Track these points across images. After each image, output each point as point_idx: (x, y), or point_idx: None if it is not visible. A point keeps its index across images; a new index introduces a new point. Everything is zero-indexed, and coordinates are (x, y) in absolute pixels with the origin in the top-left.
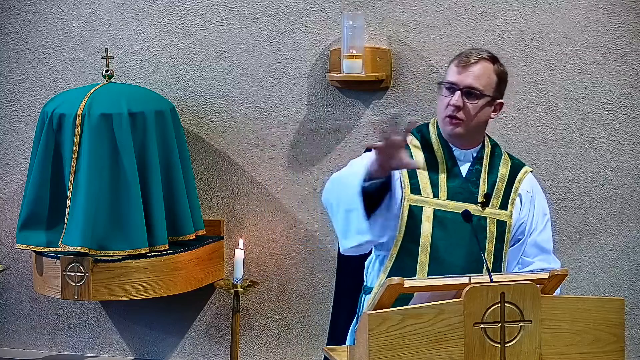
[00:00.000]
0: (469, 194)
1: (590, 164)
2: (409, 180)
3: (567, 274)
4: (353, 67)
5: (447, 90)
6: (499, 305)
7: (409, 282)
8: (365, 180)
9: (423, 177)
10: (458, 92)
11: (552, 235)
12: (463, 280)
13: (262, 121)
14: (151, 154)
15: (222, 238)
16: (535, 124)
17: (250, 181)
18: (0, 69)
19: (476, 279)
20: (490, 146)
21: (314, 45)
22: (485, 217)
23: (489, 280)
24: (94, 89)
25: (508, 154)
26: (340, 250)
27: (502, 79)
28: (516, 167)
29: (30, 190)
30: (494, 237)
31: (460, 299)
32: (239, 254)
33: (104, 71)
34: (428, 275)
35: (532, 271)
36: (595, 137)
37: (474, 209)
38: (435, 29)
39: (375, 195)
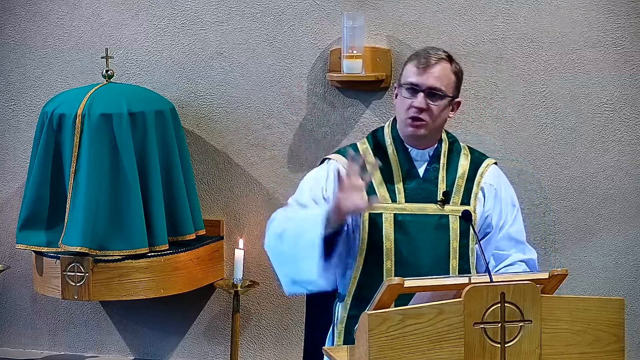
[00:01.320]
0: (428, 194)
1: (590, 164)
2: (366, 190)
3: (567, 274)
4: (353, 67)
5: (408, 92)
6: (499, 305)
7: (409, 282)
8: (325, 228)
9: (379, 183)
10: (421, 94)
11: (552, 235)
12: (463, 280)
13: (262, 121)
14: (151, 154)
15: (222, 238)
16: (535, 124)
17: (250, 181)
18: (0, 69)
19: (476, 279)
20: (448, 142)
21: (314, 45)
22: (447, 215)
23: (489, 280)
24: (94, 89)
25: (469, 147)
26: (285, 292)
27: (459, 79)
28: (477, 160)
29: (30, 190)
30: (458, 234)
31: (460, 299)
32: (239, 254)
33: (104, 71)
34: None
35: (512, 264)
36: (595, 137)
37: (434, 208)
38: (435, 29)
39: (331, 242)
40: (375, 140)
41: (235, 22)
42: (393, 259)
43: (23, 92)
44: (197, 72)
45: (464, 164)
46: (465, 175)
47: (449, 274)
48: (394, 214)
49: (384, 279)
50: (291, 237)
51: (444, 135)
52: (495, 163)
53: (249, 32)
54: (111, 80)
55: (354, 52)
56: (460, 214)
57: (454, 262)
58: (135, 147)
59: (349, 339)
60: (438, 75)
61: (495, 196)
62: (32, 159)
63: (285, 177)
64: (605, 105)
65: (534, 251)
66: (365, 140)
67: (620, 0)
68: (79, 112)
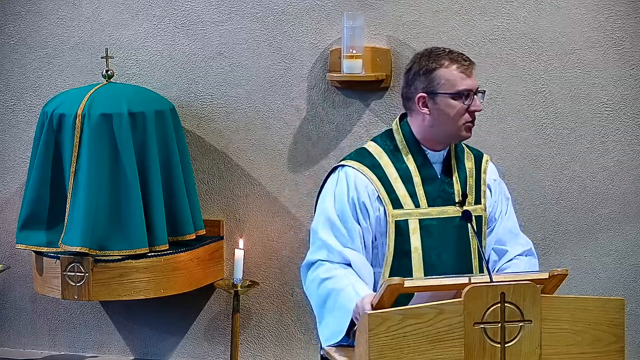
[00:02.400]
0: (447, 196)
1: (590, 164)
2: (389, 196)
3: (567, 274)
4: (353, 67)
5: (461, 98)
6: (499, 305)
7: (409, 282)
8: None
9: (400, 189)
10: (475, 97)
11: (552, 235)
12: (463, 280)
13: (262, 121)
14: (151, 154)
15: (222, 238)
16: (535, 124)
17: (250, 181)
18: (0, 69)
19: (476, 279)
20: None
21: (314, 45)
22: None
23: (489, 280)
24: (94, 89)
25: (465, 145)
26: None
27: None
28: (478, 158)
29: (30, 190)
30: (475, 234)
31: (460, 299)
32: (239, 254)
33: (104, 71)
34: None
35: (511, 260)
36: (595, 137)
37: (454, 210)
38: (435, 29)
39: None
40: (388, 142)
41: (235, 22)
42: (422, 267)
43: (23, 92)
44: (197, 72)
45: (468, 162)
46: (473, 174)
47: (472, 274)
48: (419, 220)
49: None
50: (328, 306)
51: None
52: (490, 158)
53: (249, 32)
54: (111, 80)
55: (354, 52)
56: (461, 214)
57: (475, 262)
58: (135, 147)
59: None
60: (475, 74)
61: (500, 190)
62: (32, 159)
63: (285, 177)
64: (605, 105)
65: (529, 240)
66: (375, 144)
67: (620, 1)
68: (79, 112)
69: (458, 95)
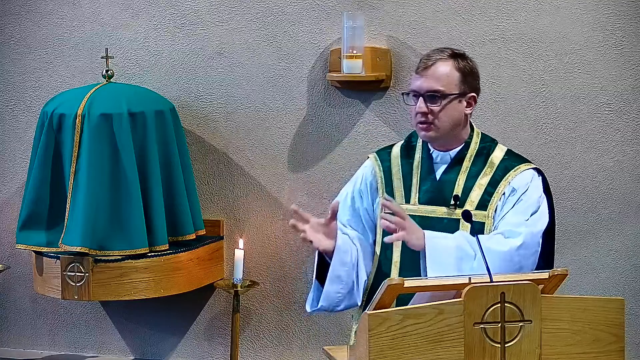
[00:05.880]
0: (441, 196)
1: (590, 164)
2: (385, 187)
3: (567, 274)
4: (353, 67)
5: (413, 98)
6: (499, 305)
7: (409, 282)
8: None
9: (398, 181)
10: (421, 98)
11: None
12: (463, 280)
13: (262, 121)
14: (151, 154)
15: (222, 238)
16: (535, 124)
17: (250, 181)
18: (0, 69)
19: (476, 279)
20: (478, 145)
21: (314, 45)
22: (458, 219)
23: (489, 280)
24: (94, 89)
25: (510, 151)
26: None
27: (466, 73)
28: (509, 165)
29: (30, 190)
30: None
31: (460, 299)
32: (239, 254)
33: (104, 71)
34: (400, 272)
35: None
36: (595, 137)
37: (443, 211)
38: (435, 29)
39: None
40: (408, 141)
41: (235, 22)
42: (400, 260)
43: (23, 92)
44: (197, 72)
45: (489, 168)
46: (489, 180)
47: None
48: None
49: (391, 270)
50: None
51: (475, 138)
52: (537, 169)
53: (249, 32)
54: (111, 80)
55: (354, 52)
56: (461, 215)
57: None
58: (135, 147)
59: None
60: (436, 76)
61: (517, 199)
62: (32, 159)
63: (285, 177)
64: (605, 105)
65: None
66: (403, 139)
67: (621, 1)
68: (79, 112)
69: (410, 95)
